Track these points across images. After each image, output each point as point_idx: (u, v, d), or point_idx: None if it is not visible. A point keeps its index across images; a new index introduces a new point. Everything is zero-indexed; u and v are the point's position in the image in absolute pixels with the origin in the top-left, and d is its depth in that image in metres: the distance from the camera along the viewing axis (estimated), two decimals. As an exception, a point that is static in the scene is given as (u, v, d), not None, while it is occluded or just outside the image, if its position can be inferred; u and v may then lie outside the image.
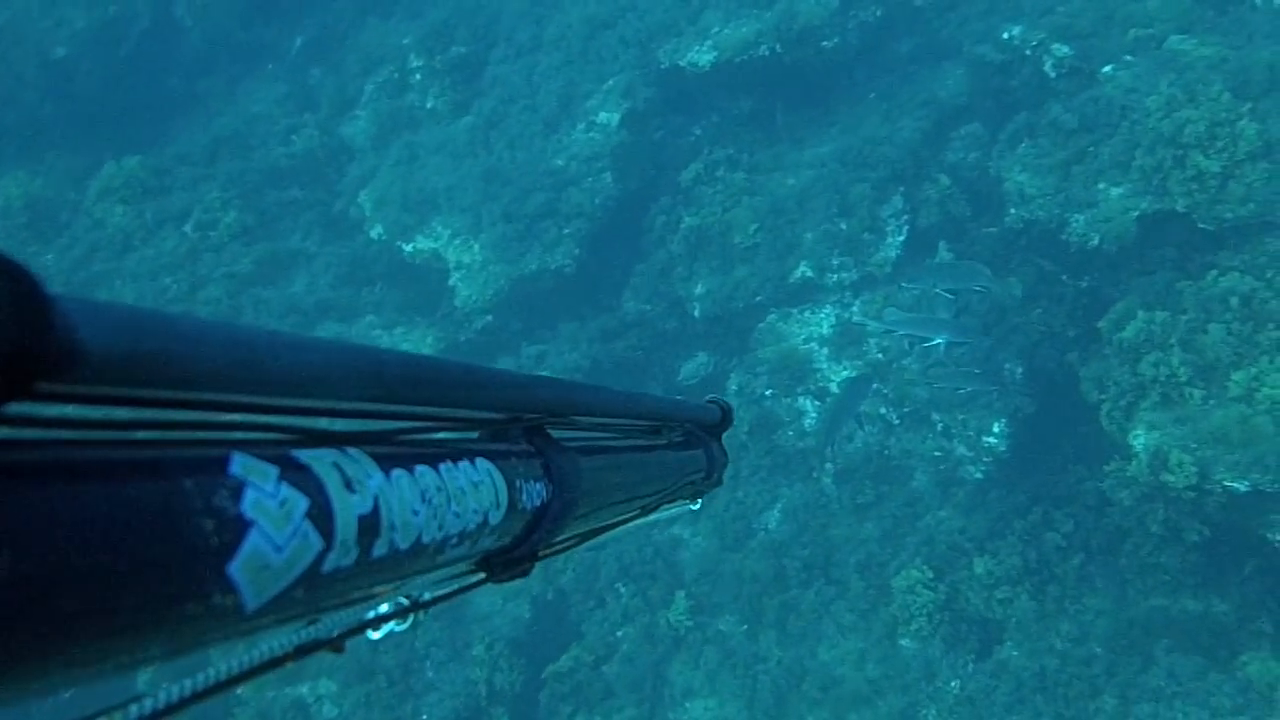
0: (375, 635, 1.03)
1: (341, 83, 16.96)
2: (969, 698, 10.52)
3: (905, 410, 12.22)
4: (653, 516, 1.79)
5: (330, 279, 14.72)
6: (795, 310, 13.20)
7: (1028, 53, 13.67)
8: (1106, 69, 12.73)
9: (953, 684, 10.73)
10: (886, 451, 12.49)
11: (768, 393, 12.66)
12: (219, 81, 18.81)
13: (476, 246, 13.91)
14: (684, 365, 13.77)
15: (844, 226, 13.08)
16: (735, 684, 11.15)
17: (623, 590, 11.97)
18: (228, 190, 15.40)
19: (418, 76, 16.37)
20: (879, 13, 14.51)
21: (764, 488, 12.49)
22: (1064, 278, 12.29)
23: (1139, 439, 10.27)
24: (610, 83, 14.80)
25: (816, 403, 12.90)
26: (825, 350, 12.67)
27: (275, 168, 16.18)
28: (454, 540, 0.94)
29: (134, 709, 0.68)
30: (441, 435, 1.02)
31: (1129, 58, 12.86)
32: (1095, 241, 11.48)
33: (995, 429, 11.56)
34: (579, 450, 1.29)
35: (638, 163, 14.65)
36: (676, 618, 11.58)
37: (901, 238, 13.04)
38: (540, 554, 1.21)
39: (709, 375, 13.58)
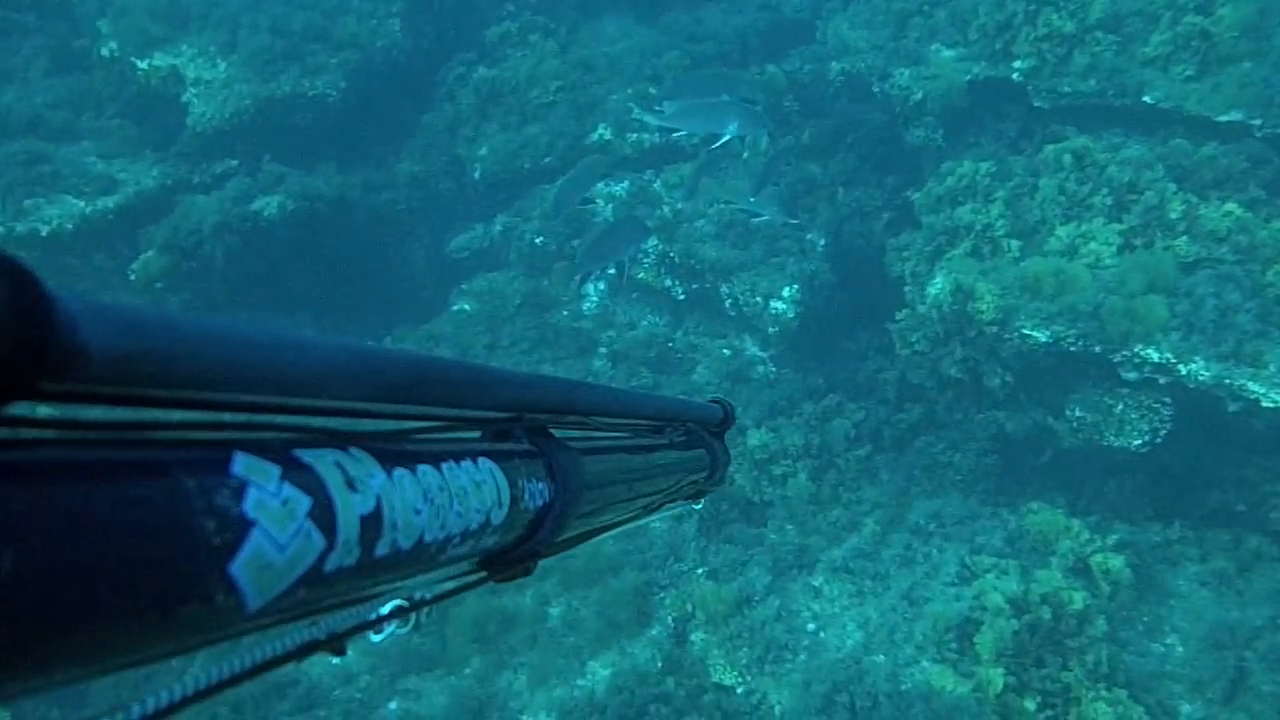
0: (377, 637, 1.11)
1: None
2: (714, 572, 10.07)
3: (693, 285, 12.03)
4: (655, 516, 1.92)
5: (49, 98, 14.05)
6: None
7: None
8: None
9: (699, 570, 10.27)
10: (671, 343, 12.27)
11: (538, 240, 12.36)
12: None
13: (223, 65, 13.45)
14: (456, 236, 13.42)
15: (654, 92, 13.08)
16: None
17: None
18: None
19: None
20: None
21: (525, 360, 12.07)
22: (888, 178, 12.49)
23: (936, 284, 10.24)
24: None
25: (599, 285, 12.70)
26: (610, 208, 12.47)
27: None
28: (456, 540, 1.01)
29: (135, 709, 0.74)
30: (444, 435, 1.08)
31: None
32: (918, 96, 11.67)
33: (786, 293, 11.41)
34: (582, 450, 1.38)
35: (435, 17, 14.55)
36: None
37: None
38: (543, 553, 1.29)
39: (483, 250, 13.24)
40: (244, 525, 0.71)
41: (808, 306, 11.41)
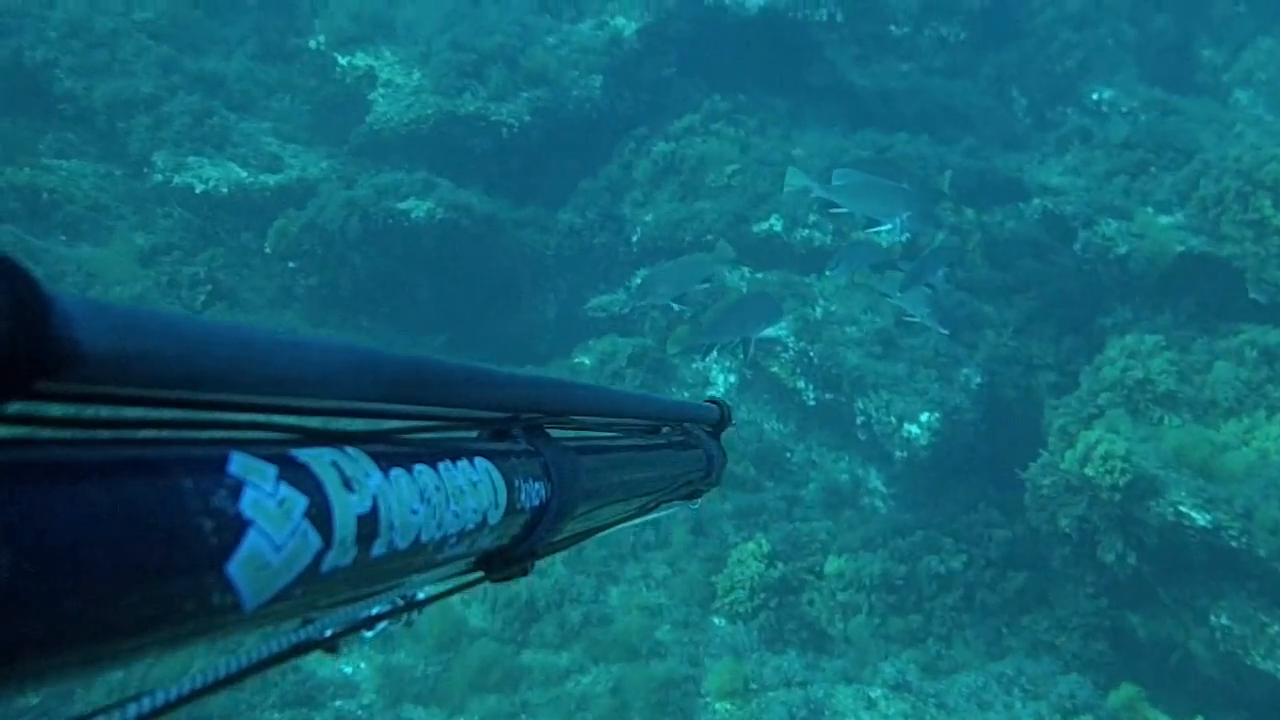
0: (370, 635, 1.13)
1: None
2: (763, 686, 9.25)
3: (826, 395, 11.42)
4: (651, 516, 1.97)
5: (244, 67, 14.56)
6: (746, 268, 12.69)
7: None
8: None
9: (753, 683, 9.46)
10: (789, 454, 11.68)
11: (676, 305, 12.00)
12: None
13: (417, 74, 13.72)
14: (597, 296, 13.18)
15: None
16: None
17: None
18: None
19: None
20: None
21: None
22: (1065, 339, 11.80)
23: (1084, 439, 9.43)
24: (640, -5, 14.99)
25: (729, 376, 12.25)
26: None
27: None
28: (453, 540, 1.04)
29: (132, 709, 0.74)
30: (440, 435, 1.11)
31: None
32: (1122, 250, 11.01)
33: (924, 418, 10.70)
34: (578, 450, 1.43)
35: (634, 86, 14.60)
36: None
37: (901, 237, 12.57)
38: (539, 553, 1.34)
39: (620, 315, 12.93)
40: (241, 525, 0.72)
41: (944, 439, 10.68)
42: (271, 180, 13.14)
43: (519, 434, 1.30)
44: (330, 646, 1.00)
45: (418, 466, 0.98)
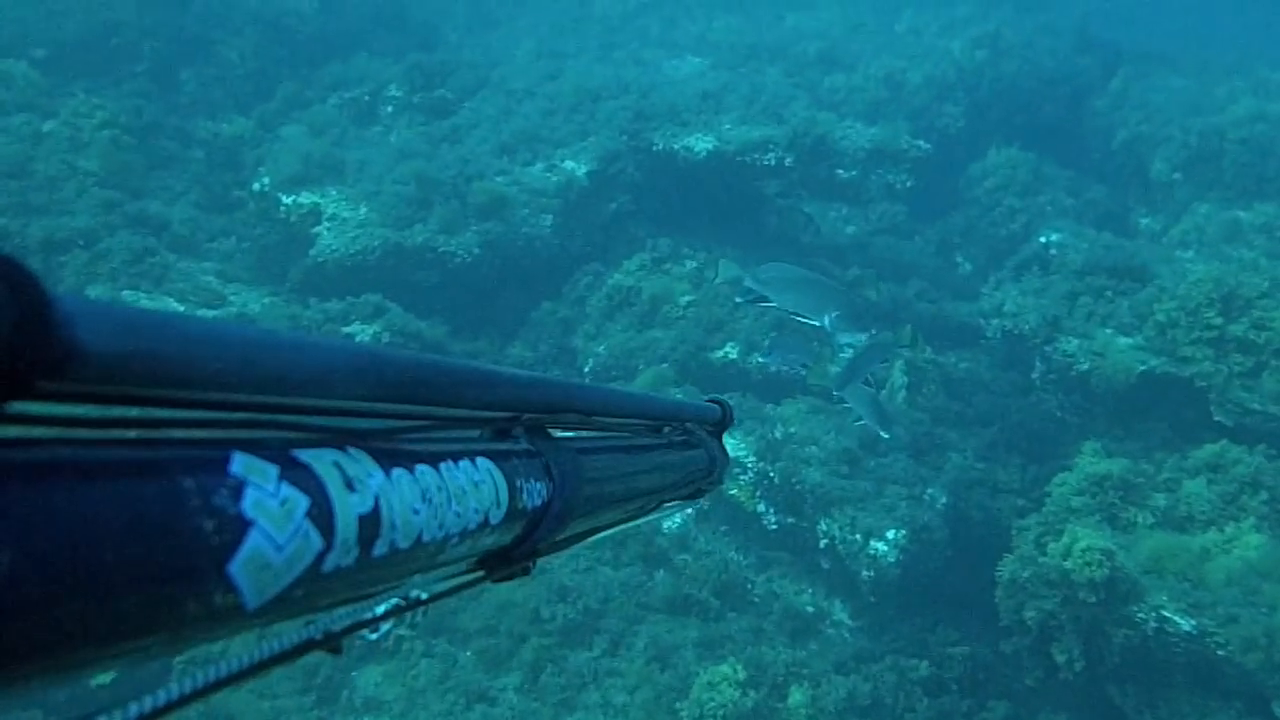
0: (373, 636, 1.32)
1: (300, 89, 17.53)
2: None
3: (788, 519, 11.07)
4: (653, 515, 2.01)
5: (187, 213, 14.40)
6: (699, 393, 12.47)
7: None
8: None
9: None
10: (750, 585, 11.23)
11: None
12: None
13: (364, 209, 13.64)
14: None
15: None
16: (440, 705, 9.29)
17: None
18: (112, 102, 15.46)
19: (389, 109, 16.99)
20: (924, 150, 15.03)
21: (586, 560, 11.13)
22: (1031, 467, 11.64)
23: (1073, 531, 9.14)
24: (590, 140, 15.17)
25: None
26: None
27: (187, 131, 16.31)
28: (454, 539, 1.07)
29: (133, 708, 0.76)
30: (442, 435, 1.14)
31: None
32: (1084, 367, 10.95)
33: (891, 535, 10.33)
34: (580, 449, 1.46)
35: (585, 226, 14.63)
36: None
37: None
38: (541, 552, 1.37)
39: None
40: (242, 525, 0.72)
41: (913, 558, 10.30)
42: (210, 315, 12.81)
43: (521, 434, 1.30)
44: (333, 646, 0.99)
45: (420, 466, 0.98)
